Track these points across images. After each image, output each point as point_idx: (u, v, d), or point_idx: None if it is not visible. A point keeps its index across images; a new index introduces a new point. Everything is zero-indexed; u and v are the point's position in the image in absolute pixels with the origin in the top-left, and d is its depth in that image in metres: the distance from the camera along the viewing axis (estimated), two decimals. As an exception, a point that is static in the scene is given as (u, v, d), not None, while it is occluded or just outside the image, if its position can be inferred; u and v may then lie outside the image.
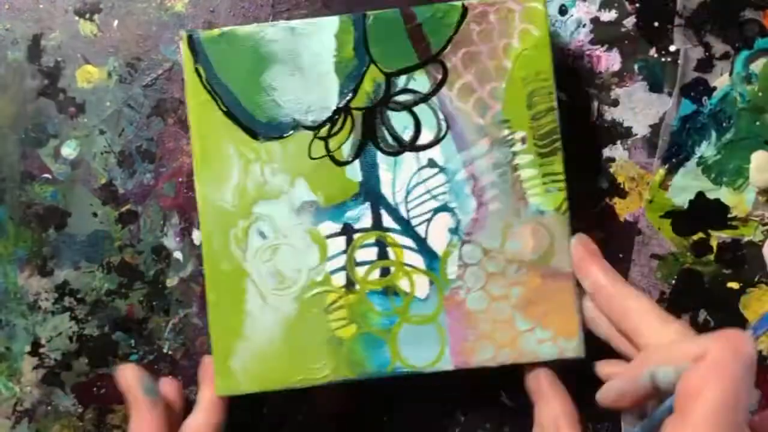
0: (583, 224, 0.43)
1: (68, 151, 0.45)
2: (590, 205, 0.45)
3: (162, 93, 0.45)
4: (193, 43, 0.40)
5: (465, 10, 0.40)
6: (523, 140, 0.40)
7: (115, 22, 0.45)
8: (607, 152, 0.45)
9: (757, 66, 0.44)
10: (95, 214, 0.45)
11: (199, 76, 0.40)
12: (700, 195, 0.44)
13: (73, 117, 0.45)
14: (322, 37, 0.40)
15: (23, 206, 0.45)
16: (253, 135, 0.40)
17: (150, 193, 0.45)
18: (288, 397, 0.45)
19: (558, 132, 0.40)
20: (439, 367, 0.40)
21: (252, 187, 0.40)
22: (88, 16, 0.45)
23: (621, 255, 0.45)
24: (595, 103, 0.45)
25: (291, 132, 0.40)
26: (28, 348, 0.45)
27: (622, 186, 0.45)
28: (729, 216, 0.44)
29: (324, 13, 0.45)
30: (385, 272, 0.40)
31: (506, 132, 0.40)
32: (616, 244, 0.45)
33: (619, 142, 0.45)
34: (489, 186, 0.40)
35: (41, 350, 0.45)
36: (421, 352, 0.40)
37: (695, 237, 0.44)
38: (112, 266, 0.45)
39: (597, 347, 0.39)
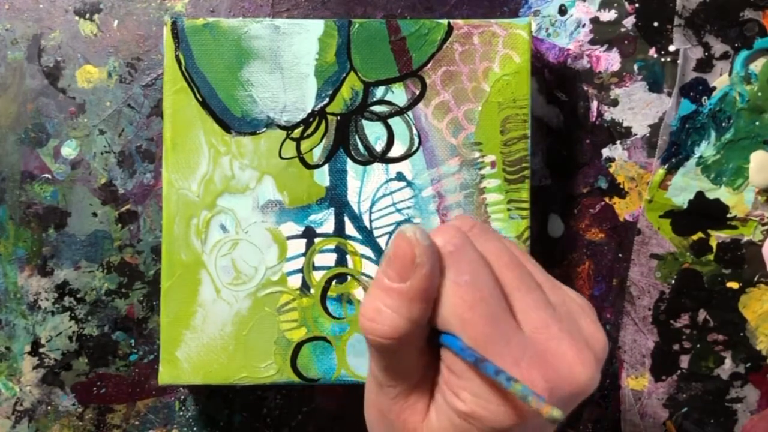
0: (584, 224, 0.44)
1: (68, 151, 0.45)
2: (590, 205, 0.45)
3: (162, 93, 0.45)
4: (176, 30, 0.40)
5: (450, 29, 0.40)
6: (493, 164, 0.40)
7: (115, 22, 0.45)
8: (606, 152, 0.45)
9: (756, 66, 0.44)
10: (95, 214, 0.45)
11: (179, 63, 0.40)
12: (700, 195, 0.44)
13: (73, 117, 0.45)
14: (305, 38, 0.40)
15: (23, 206, 0.45)
16: (226, 128, 0.40)
17: (150, 193, 0.45)
18: (288, 397, 0.45)
19: (528, 160, 0.40)
20: None
21: (219, 179, 0.40)
22: (88, 16, 0.45)
23: (621, 255, 0.45)
24: (595, 103, 0.45)
25: (264, 129, 0.40)
26: (28, 348, 0.45)
27: (621, 186, 0.45)
28: (728, 216, 0.44)
29: (323, 13, 0.45)
30: (341, 279, 0.40)
31: (477, 154, 0.40)
32: (616, 244, 0.45)
33: (618, 142, 0.45)
34: (454, 205, 0.40)
35: (41, 350, 0.45)
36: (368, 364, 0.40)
37: (695, 237, 0.45)
38: (112, 266, 0.45)
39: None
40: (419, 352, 0.27)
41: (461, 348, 0.25)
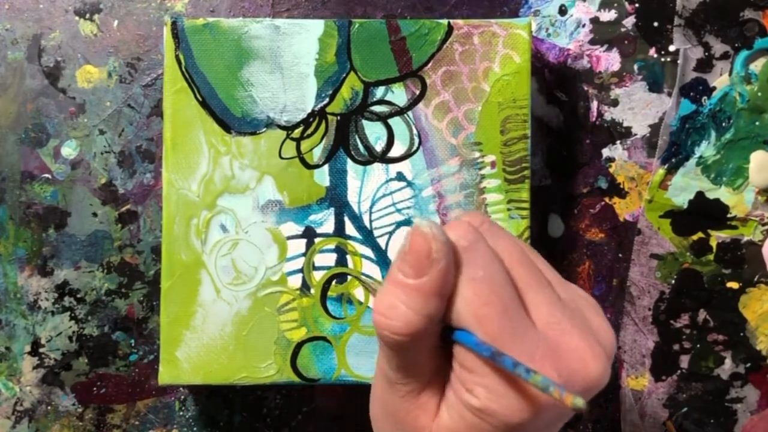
0: (584, 224, 0.44)
1: (68, 151, 0.45)
2: (590, 205, 0.45)
3: (162, 93, 0.45)
4: (176, 30, 0.40)
5: (450, 29, 0.40)
6: (493, 164, 0.40)
7: (115, 22, 0.45)
8: (606, 152, 0.45)
9: (756, 66, 0.44)
10: (95, 214, 0.45)
11: (179, 63, 0.40)
12: (700, 195, 0.44)
13: (73, 117, 0.45)
14: (305, 38, 0.40)
15: (23, 206, 0.45)
16: (226, 128, 0.40)
17: (150, 193, 0.45)
18: (288, 397, 0.45)
19: (528, 160, 0.40)
20: None
21: (219, 179, 0.40)
22: (88, 16, 0.45)
23: (621, 255, 0.45)
24: (595, 103, 0.45)
25: (264, 129, 0.40)
26: (28, 348, 0.45)
27: (621, 186, 0.45)
28: (728, 216, 0.44)
29: (323, 13, 0.45)
30: (341, 279, 0.40)
31: (477, 154, 0.40)
32: (616, 244, 0.45)
33: (618, 142, 0.45)
34: (454, 205, 0.40)
35: (41, 350, 0.45)
36: (368, 363, 0.40)
37: (695, 237, 0.45)
38: (112, 266, 0.45)
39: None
40: (431, 350, 0.27)
41: (476, 343, 0.25)
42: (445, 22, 0.40)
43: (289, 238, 0.40)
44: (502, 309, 0.25)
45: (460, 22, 0.40)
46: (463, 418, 0.26)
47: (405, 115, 0.40)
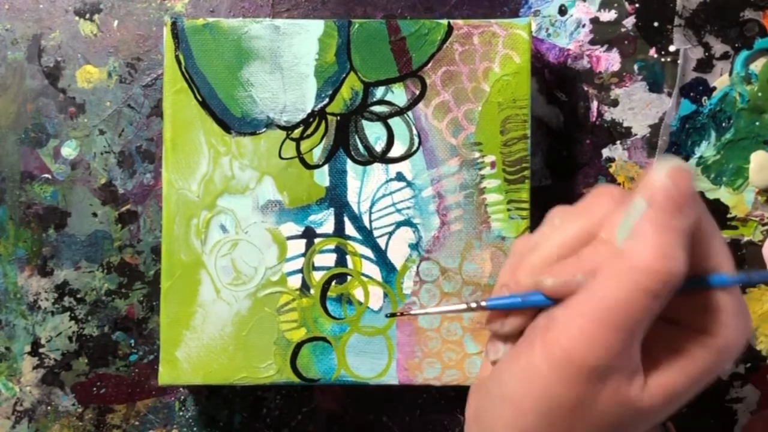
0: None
1: (68, 151, 0.45)
2: (590, 205, 0.45)
3: (162, 93, 0.45)
4: (176, 30, 0.40)
5: (450, 29, 0.40)
6: (493, 165, 0.40)
7: (115, 22, 0.45)
8: (606, 152, 0.45)
9: (756, 66, 0.44)
10: (95, 214, 0.45)
11: (179, 63, 0.40)
12: (700, 195, 0.44)
13: (73, 117, 0.45)
14: (305, 38, 0.40)
15: (23, 206, 0.45)
16: (226, 128, 0.40)
17: (150, 193, 0.45)
18: (288, 397, 0.45)
19: (528, 161, 0.40)
20: (384, 380, 0.40)
21: (219, 179, 0.40)
22: (88, 16, 0.45)
23: (621, 255, 0.45)
24: (595, 103, 0.45)
25: (264, 130, 0.40)
26: (28, 348, 0.45)
27: (622, 186, 0.45)
28: (728, 216, 0.44)
29: (323, 13, 0.45)
30: (341, 280, 0.40)
31: (477, 155, 0.40)
32: (616, 244, 0.45)
33: (618, 142, 0.45)
34: (454, 206, 0.40)
35: (41, 350, 0.45)
36: (367, 364, 0.40)
37: (695, 237, 0.44)
38: (112, 266, 0.45)
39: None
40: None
41: (736, 277, 0.27)
42: (445, 22, 0.40)
43: (288, 238, 0.40)
44: (724, 242, 0.27)
45: (460, 22, 0.40)
46: (683, 369, 0.26)
47: (405, 115, 0.40)
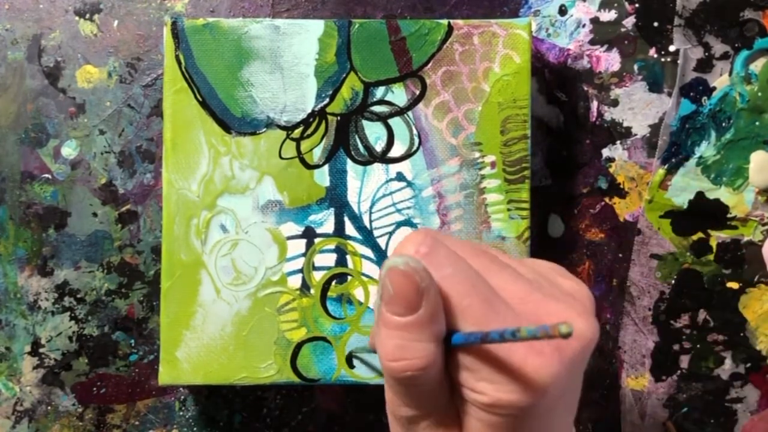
0: (584, 224, 0.44)
1: (68, 151, 0.45)
2: (590, 205, 0.45)
3: (162, 93, 0.45)
4: (176, 30, 0.40)
5: (450, 29, 0.40)
6: (493, 165, 0.40)
7: (115, 22, 0.45)
8: (606, 152, 0.45)
9: (756, 66, 0.44)
10: (95, 214, 0.45)
11: (179, 63, 0.40)
12: (700, 195, 0.44)
13: (73, 117, 0.45)
14: (305, 38, 0.40)
15: (23, 206, 0.45)
16: (226, 128, 0.40)
17: (150, 193, 0.45)
18: (288, 397, 0.45)
19: (528, 161, 0.40)
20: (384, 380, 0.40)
21: (219, 179, 0.40)
22: (88, 16, 0.45)
23: (621, 255, 0.45)
24: (595, 103, 0.45)
25: (264, 130, 0.40)
26: (28, 348, 0.45)
27: (621, 186, 0.45)
28: (728, 216, 0.44)
29: (323, 13, 0.45)
30: (341, 280, 0.40)
31: (477, 155, 0.40)
32: (616, 244, 0.45)
33: (618, 142, 0.45)
34: (454, 206, 0.40)
35: (41, 350, 0.45)
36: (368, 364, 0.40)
37: (695, 237, 0.45)
38: (112, 266, 0.45)
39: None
40: (442, 372, 0.27)
41: (466, 336, 0.25)
42: (445, 22, 0.40)
43: (289, 238, 0.40)
44: (480, 296, 0.25)
45: (460, 22, 0.40)
46: (482, 422, 0.26)
47: (405, 115, 0.40)
